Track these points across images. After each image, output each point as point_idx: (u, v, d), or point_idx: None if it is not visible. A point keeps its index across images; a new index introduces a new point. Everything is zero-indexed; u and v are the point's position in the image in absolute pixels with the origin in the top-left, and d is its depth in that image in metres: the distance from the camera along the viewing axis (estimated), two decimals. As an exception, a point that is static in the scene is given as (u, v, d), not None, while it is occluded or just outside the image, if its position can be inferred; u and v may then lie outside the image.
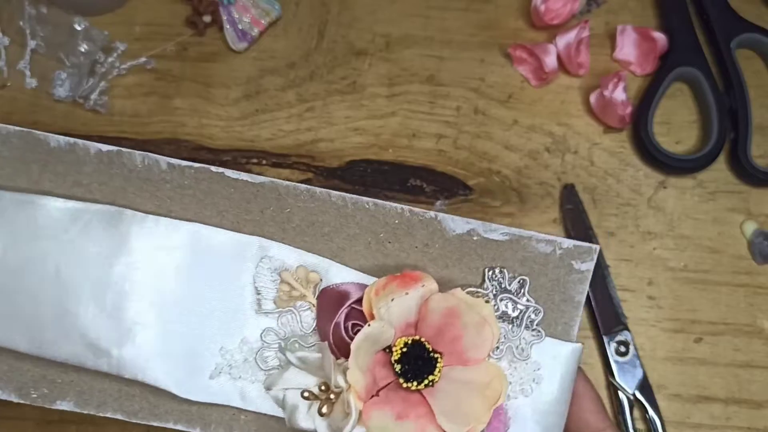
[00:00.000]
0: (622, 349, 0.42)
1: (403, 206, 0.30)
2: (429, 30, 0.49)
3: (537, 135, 0.47)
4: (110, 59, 0.48)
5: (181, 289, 0.29)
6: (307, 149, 0.47)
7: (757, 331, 0.43)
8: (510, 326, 0.29)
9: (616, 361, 0.42)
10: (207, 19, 0.48)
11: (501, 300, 0.29)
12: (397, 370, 0.27)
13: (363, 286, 0.29)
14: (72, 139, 0.30)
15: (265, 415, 0.29)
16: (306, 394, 0.27)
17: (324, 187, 0.30)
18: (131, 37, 0.49)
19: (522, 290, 0.29)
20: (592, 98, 0.47)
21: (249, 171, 0.46)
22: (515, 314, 0.29)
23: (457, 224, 0.29)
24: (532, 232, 0.30)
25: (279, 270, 0.29)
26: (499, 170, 0.46)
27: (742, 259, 0.45)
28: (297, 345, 0.29)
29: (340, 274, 0.29)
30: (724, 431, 0.42)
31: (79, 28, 0.46)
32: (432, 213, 0.30)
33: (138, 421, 0.30)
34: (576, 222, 0.45)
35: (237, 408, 0.30)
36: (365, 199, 0.30)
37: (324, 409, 0.27)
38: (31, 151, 0.30)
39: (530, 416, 0.29)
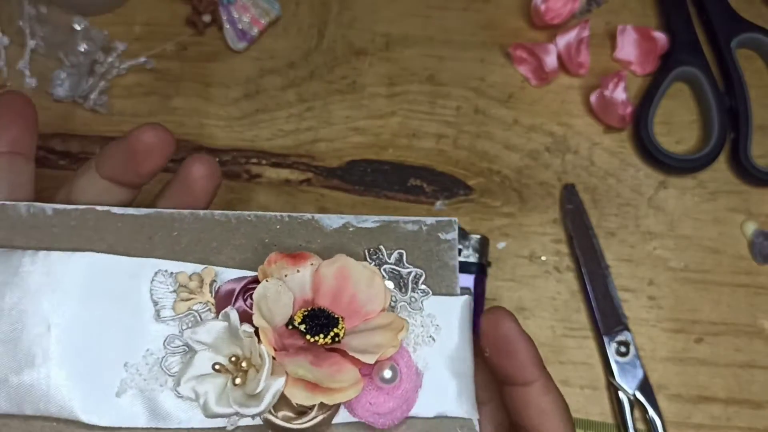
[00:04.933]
0: (623, 349, 0.42)
1: (282, 213, 0.31)
2: (429, 30, 0.49)
3: (537, 135, 0.47)
4: (110, 59, 0.47)
5: (77, 312, 0.29)
6: (306, 149, 0.47)
7: (758, 332, 0.43)
8: (398, 290, 0.31)
9: (617, 362, 0.42)
10: (207, 18, 0.48)
11: (385, 271, 0.31)
12: (302, 329, 0.28)
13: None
14: None
15: (176, 430, 0.29)
16: (217, 367, 0.27)
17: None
18: (131, 37, 0.49)
19: (401, 261, 0.31)
20: (593, 98, 0.46)
21: (248, 171, 0.46)
22: (400, 280, 0.31)
23: (333, 221, 0.32)
24: (399, 216, 0.32)
25: (173, 277, 0.30)
26: (500, 170, 0.46)
27: (742, 259, 0.45)
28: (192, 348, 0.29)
29: (232, 276, 0.30)
30: (724, 431, 0.42)
31: (78, 28, 0.46)
32: (309, 215, 0.32)
33: None
34: (576, 222, 0.45)
35: (149, 429, 0.28)
36: (246, 213, 0.31)
37: (238, 380, 0.27)
38: None
39: (439, 363, 0.30)
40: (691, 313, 0.44)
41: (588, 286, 0.43)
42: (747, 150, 0.45)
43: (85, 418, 0.28)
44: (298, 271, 0.29)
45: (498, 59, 0.49)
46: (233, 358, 0.27)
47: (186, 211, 0.31)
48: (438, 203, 0.46)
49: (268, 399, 0.27)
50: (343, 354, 0.28)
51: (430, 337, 0.30)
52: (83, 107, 0.47)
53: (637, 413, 0.42)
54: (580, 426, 0.42)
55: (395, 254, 0.32)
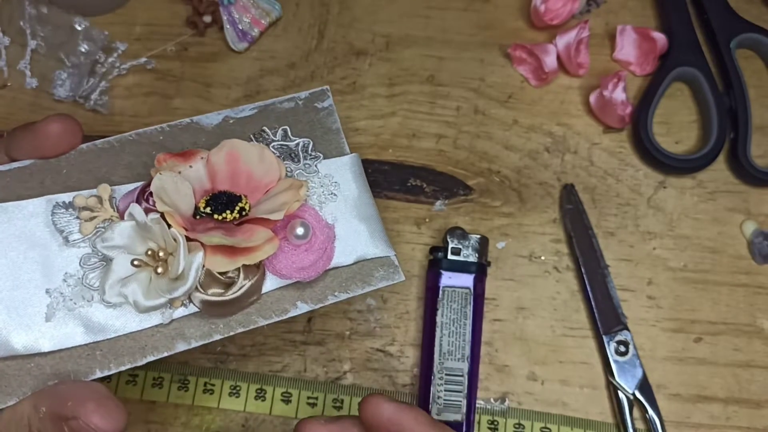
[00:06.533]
0: (622, 348, 0.42)
1: (161, 125, 0.32)
2: (429, 30, 0.50)
3: (537, 135, 0.47)
4: (110, 59, 0.48)
5: None
6: (307, 149, 0.47)
7: (757, 331, 0.43)
8: (291, 162, 0.33)
9: (616, 361, 0.42)
10: (207, 19, 0.48)
11: (275, 148, 0.33)
12: (208, 211, 0.29)
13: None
14: None
15: (117, 339, 0.29)
16: (137, 262, 0.28)
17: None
18: (131, 37, 0.49)
19: (287, 135, 0.33)
20: (592, 98, 0.47)
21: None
22: (291, 153, 0.33)
23: (212, 118, 0.33)
24: (274, 99, 0.34)
25: (71, 205, 0.30)
26: (499, 170, 0.46)
27: (741, 259, 0.45)
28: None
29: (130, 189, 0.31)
30: (723, 431, 0.42)
31: (79, 28, 0.46)
32: (187, 119, 0.33)
33: None
34: (576, 222, 0.45)
35: (88, 345, 0.29)
36: (127, 133, 0.32)
37: (159, 269, 0.28)
38: None
39: (345, 214, 0.32)
40: (690, 312, 0.44)
41: (587, 286, 0.43)
42: (746, 150, 0.45)
43: (23, 349, 0.28)
44: (190, 166, 0.31)
45: (498, 59, 0.49)
46: (149, 252, 0.29)
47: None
48: (438, 203, 0.46)
49: (192, 275, 0.28)
50: (253, 221, 0.30)
51: (332, 194, 0.33)
52: (84, 107, 0.47)
53: (636, 413, 0.42)
54: (580, 425, 0.42)
55: (280, 131, 0.33)
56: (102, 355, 0.29)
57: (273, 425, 0.42)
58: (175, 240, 0.28)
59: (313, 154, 0.33)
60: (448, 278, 0.42)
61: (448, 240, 0.42)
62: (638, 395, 0.42)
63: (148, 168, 0.31)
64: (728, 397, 0.42)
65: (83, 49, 0.46)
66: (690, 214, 0.46)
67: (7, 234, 0.30)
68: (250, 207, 0.30)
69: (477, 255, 0.42)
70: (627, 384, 0.42)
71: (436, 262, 0.42)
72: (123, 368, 0.29)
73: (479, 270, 0.42)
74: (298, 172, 0.32)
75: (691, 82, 0.48)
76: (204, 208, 0.29)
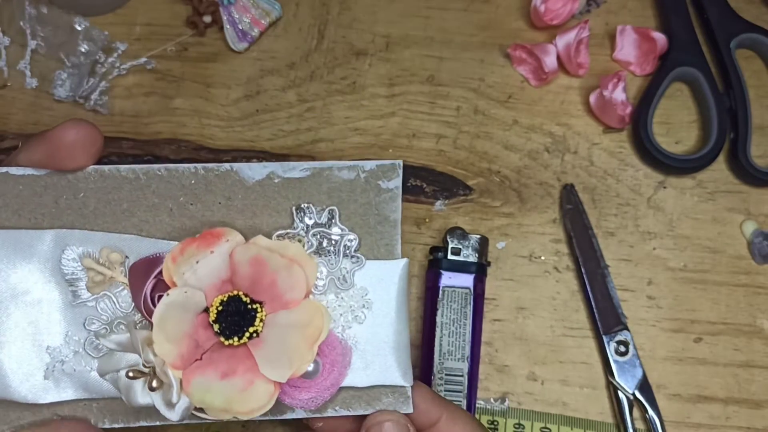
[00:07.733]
0: (622, 348, 0.42)
1: (196, 165, 0.29)
2: (429, 30, 0.50)
3: (537, 135, 0.47)
4: (111, 59, 0.48)
5: None
6: (307, 149, 0.47)
7: (757, 331, 0.43)
8: (328, 259, 0.29)
9: (616, 361, 0.42)
10: (207, 19, 0.48)
11: (313, 235, 0.28)
12: (216, 330, 0.27)
13: None
14: None
15: (113, 399, 0.29)
16: (131, 374, 0.27)
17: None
18: (131, 37, 0.49)
19: (332, 221, 0.29)
20: (592, 98, 0.47)
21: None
22: (330, 247, 0.29)
23: (254, 171, 0.29)
24: (332, 161, 0.29)
25: (83, 257, 0.28)
26: (499, 170, 0.46)
27: (741, 259, 0.45)
28: (112, 329, 0.28)
29: (147, 248, 0.28)
30: (723, 431, 0.42)
31: (79, 28, 0.46)
32: (227, 165, 0.29)
33: None
34: (576, 222, 0.45)
35: (84, 399, 0.29)
36: (156, 166, 0.29)
37: (154, 384, 0.26)
38: None
39: (370, 340, 0.28)
40: (690, 312, 0.44)
41: (587, 286, 0.43)
42: (746, 150, 0.45)
43: (21, 399, 0.28)
44: (212, 252, 0.27)
45: (497, 60, 0.49)
46: (146, 364, 0.27)
47: (90, 168, 0.29)
48: (438, 203, 0.46)
49: (180, 413, 0.26)
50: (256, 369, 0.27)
51: (362, 312, 0.29)
52: (84, 108, 0.47)
53: (636, 413, 0.42)
54: (580, 425, 0.42)
55: (326, 213, 0.29)
56: (98, 408, 0.29)
57: (273, 425, 0.42)
58: (167, 377, 0.27)
59: (355, 257, 0.29)
60: (448, 278, 0.42)
61: (448, 240, 0.42)
62: (638, 395, 0.42)
63: (173, 219, 0.29)
64: (728, 397, 0.42)
65: (83, 49, 0.46)
66: (690, 214, 0.46)
67: (20, 275, 0.28)
68: (263, 327, 0.27)
69: (477, 255, 0.42)
70: (627, 384, 0.42)
71: (436, 262, 0.42)
72: (116, 426, 0.28)
73: (479, 270, 0.42)
74: (330, 278, 0.28)
75: (691, 82, 0.48)
76: (214, 321, 0.27)
